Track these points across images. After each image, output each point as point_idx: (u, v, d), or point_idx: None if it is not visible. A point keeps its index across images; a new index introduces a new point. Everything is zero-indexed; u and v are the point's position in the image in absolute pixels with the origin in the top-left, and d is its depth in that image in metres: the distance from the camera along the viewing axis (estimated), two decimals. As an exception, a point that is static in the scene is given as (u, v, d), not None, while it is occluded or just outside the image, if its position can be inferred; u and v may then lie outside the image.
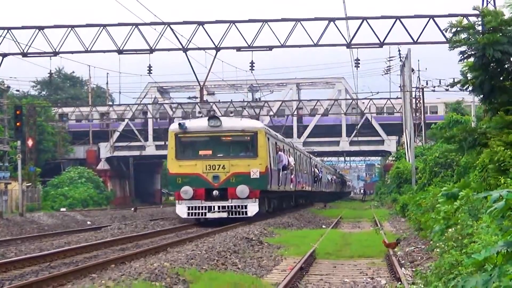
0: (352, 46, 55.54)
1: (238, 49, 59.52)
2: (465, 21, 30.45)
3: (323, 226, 55.10)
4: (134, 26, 57.81)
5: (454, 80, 28.96)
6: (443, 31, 43.77)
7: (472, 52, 25.05)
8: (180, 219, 63.41)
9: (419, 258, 27.50)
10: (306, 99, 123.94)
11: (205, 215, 55.19)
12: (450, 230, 24.65)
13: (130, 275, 21.31)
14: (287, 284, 20.57)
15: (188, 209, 54.55)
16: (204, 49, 63.79)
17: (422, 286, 18.98)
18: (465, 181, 29.52)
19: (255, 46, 57.05)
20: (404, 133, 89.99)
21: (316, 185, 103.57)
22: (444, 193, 30.66)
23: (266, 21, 56.01)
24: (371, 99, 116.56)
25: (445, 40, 36.66)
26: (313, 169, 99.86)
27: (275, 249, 33.08)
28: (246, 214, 52.61)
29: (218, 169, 52.81)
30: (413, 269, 23.76)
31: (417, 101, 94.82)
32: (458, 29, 27.33)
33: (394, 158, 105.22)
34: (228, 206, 52.58)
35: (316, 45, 54.64)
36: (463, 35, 26.02)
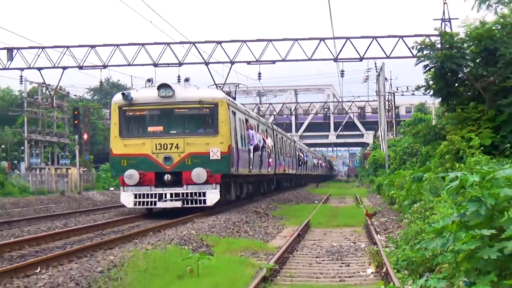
0: (338, 60, 55.01)
1: (248, 62, 58.67)
2: (428, 40, 30.82)
3: (316, 202, 52.71)
4: (166, 45, 54.77)
5: (418, 86, 28.91)
6: (410, 48, 44.18)
7: (433, 65, 25.07)
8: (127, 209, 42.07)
9: (391, 227, 27.54)
10: (302, 101, 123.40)
11: (155, 204, 37.74)
12: (415, 205, 24.75)
13: (165, 240, 21.41)
14: (287, 247, 20.56)
15: (135, 197, 37.38)
16: (221, 62, 59.96)
17: (393, 249, 19.02)
18: (427, 166, 29.63)
19: (262, 60, 56.44)
20: (379, 129, 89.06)
21: (301, 168, 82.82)
22: (412, 176, 31.02)
23: (270, 40, 55.53)
24: (353, 101, 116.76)
25: (412, 55, 36.46)
26: (297, 153, 78.92)
27: (278, 220, 33.54)
28: (204, 203, 36.23)
29: (170, 149, 37.10)
30: (386, 236, 23.77)
31: (389, 103, 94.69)
32: (422, 46, 27.36)
33: (371, 148, 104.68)
34: (182, 194, 36.43)
35: (309, 59, 54.05)
36: (426, 51, 26.05)
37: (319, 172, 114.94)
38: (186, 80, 28.81)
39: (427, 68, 25.41)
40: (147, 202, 29.54)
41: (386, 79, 77.52)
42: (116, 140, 29.25)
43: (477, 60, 24.18)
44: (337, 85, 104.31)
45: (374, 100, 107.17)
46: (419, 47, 28.13)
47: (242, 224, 28.85)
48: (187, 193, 28.79)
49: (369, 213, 33.89)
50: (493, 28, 23.67)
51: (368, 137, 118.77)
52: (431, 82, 25.61)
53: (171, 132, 29.21)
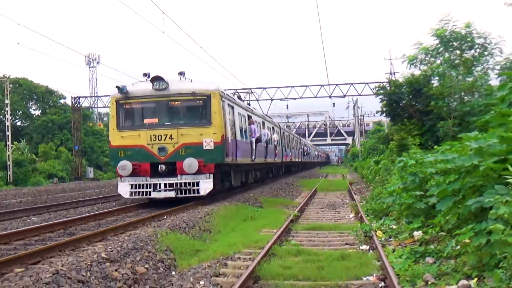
0: (331, 97, 55.07)
1: (281, 99, 58.60)
2: (382, 85, 30.98)
3: (320, 177, 50.72)
4: (234, 91, 54.17)
5: (377, 111, 28.80)
6: (372, 89, 44.56)
7: (385, 99, 24.86)
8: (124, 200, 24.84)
9: (363, 190, 27.19)
10: (312, 120, 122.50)
11: (150, 194, 23.07)
12: (376, 177, 24.54)
13: (236, 200, 20.76)
14: (304, 203, 20.43)
15: (132, 188, 23.50)
16: (267, 100, 59.43)
17: (364, 203, 18.79)
18: (383, 156, 29.45)
19: (288, 98, 56.08)
20: (355, 135, 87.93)
21: (305, 158, 68.55)
22: (374, 161, 31.16)
23: (293, 86, 55.42)
24: (340, 120, 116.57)
25: (373, 93, 36.33)
26: (302, 147, 65.60)
27: (299, 187, 33.11)
28: (198, 192, 21.80)
29: (164, 140, 23.64)
30: (360, 196, 23.49)
31: (361, 121, 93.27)
32: (379, 88, 27.24)
33: (350, 146, 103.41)
34: (176, 184, 22.84)
35: (315, 97, 54.20)
36: (381, 91, 25.94)
37: (320, 160, 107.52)
38: (181, 73, 21.33)
39: (382, 100, 25.24)
40: (143, 192, 20.61)
41: (358, 107, 76.30)
42: (114, 132, 21.35)
43: (410, 96, 23.90)
44: (331, 111, 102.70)
45: (352, 119, 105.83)
46: (377, 89, 28.19)
47: (279, 190, 28.51)
48: (181, 183, 20.18)
49: (351, 182, 33.70)
50: (418, 77, 23.41)
51: (349, 140, 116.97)
52: (384, 108, 25.46)
53: (165, 123, 21.09)
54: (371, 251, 10.07)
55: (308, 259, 9.26)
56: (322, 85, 56.30)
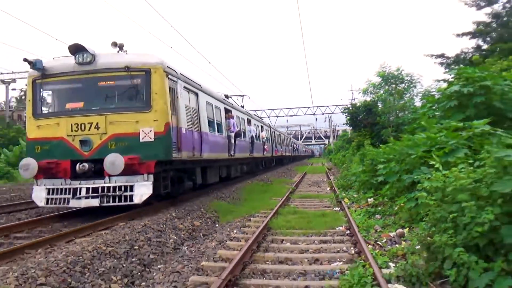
0: (315, 114, 55.37)
1: (283, 116, 58.58)
2: (347, 107, 30.74)
3: (308, 165, 50.28)
4: (254, 111, 53.48)
5: (345, 122, 28.48)
6: (340, 110, 44.41)
7: (349, 115, 24.80)
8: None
9: (336, 173, 26.93)
10: (303, 130, 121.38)
11: (69, 202, 8.42)
12: (344, 165, 24.27)
13: (255, 180, 19.91)
14: (298, 181, 20.25)
15: (48, 193, 8.59)
16: (273, 117, 59.43)
17: (336, 180, 18.60)
18: (347, 151, 29.22)
19: (289, 115, 56.36)
20: (330, 138, 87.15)
21: (295, 152, 53.10)
22: (342, 155, 30.66)
23: (290, 108, 55.69)
24: (321, 128, 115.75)
25: (342, 112, 36.07)
26: (293, 144, 51.18)
27: (294, 171, 32.67)
28: (131, 200, 8.29)
29: (89, 130, 8.47)
30: (334, 176, 23.27)
31: (334, 129, 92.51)
32: (346, 109, 27.12)
33: (327, 145, 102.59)
34: (103, 188, 8.25)
35: (304, 114, 54.71)
36: (346, 110, 25.89)
37: (307, 154, 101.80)
38: (116, 44, 9.23)
39: (346, 116, 25.39)
40: (60, 199, 8.57)
41: (332, 120, 75.59)
42: (30, 121, 9.21)
43: (364, 113, 23.80)
44: (315, 123, 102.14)
45: (328, 128, 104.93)
46: (344, 108, 28.18)
47: (282, 173, 28.17)
48: (108, 187, 8.38)
49: (328, 168, 32.80)
50: (369, 102, 23.41)
51: (326, 141, 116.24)
52: (348, 121, 25.56)
53: (92, 108, 8.98)
54: (341, 211, 9.99)
55: (301, 216, 9.21)
56: (309, 107, 56.92)
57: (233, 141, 15.24)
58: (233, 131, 15.33)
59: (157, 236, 7.14)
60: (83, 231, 7.01)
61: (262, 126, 25.18)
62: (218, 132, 13.66)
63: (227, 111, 15.44)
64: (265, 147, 24.98)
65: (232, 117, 15.73)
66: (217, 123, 13.68)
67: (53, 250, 5.92)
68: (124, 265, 5.58)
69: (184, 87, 10.50)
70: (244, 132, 18.34)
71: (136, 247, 6.29)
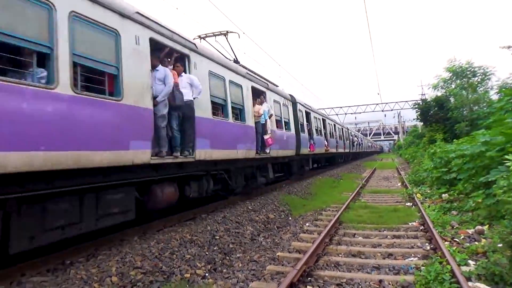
0: (383, 111, 53.49)
1: (355, 118, 56.81)
2: (417, 102, 29.07)
3: (377, 160, 48.26)
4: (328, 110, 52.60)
5: (416, 118, 26.98)
6: (410, 105, 42.19)
7: (419, 110, 23.59)
8: None
9: (406, 168, 25.64)
10: (372, 126, 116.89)
11: None
12: (415, 160, 23.00)
13: (325, 175, 19.36)
14: (368, 176, 19.58)
15: None
16: (343, 114, 58.17)
17: (407, 176, 17.66)
18: (419, 147, 27.69)
19: (358, 112, 55.02)
20: (399, 134, 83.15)
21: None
22: (412, 150, 29.21)
23: (360, 105, 54.09)
24: (389, 125, 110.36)
25: (411, 107, 34.27)
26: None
27: (363, 167, 31.49)
28: None
29: None
30: (405, 172, 22.18)
31: (403, 125, 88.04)
32: (416, 104, 25.78)
33: (396, 141, 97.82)
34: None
35: (373, 111, 52.84)
36: (416, 105, 24.57)
37: (373, 150, 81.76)
38: None
39: (417, 111, 24.16)
40: None
41: (401, 116, 71.97)
42: None
43: (435, 108, 22.41)
44: (383, 119, 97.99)
45: (397, 124, 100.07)
46: (414, 104, 26.79)
47: (352, 168, 27.35)
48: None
49: (398, 164, 31.30)
50: (441, 97, 22.04)
51: (395, 137, 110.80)
52: (418, 116, 24.29)
53: None
54: (413, 206, 9.45)
55: (372, 211, 8.88)
56: (377, 104, 54.72)
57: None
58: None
59: (236, 227, 7.29)
60: (170, 221, 7.26)
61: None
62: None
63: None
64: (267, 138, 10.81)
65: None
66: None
67: (146, 238, 6.14)
68: (206, 253, 5.75)
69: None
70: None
71: (217, 237, 6.47)
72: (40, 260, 4.77)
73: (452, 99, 21.50)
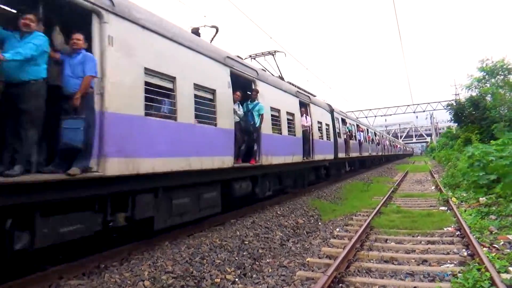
0: (415, 112, 51.91)
1: (385, 120, 55.50)
2: (451, 103, 28.24)
3: (410, 163, 47.13)
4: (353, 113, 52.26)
5: (450, 119, 26.25)
6: (442, 106, 40.96)
7: (453, 111, 22.95)
8: None
9: (440, 171, 24.83)
10: (403, 128, 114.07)
11: None
12: (449, 163, 22.23)
13: (355, 179, 19.10)
14: (400, 180, 19.09)
15: None
16: (373, 116, 57.41)
17: (441, 179, 17.12)
18: (454, 149, 26.79)
19: (388, 114, 53.53)
20: (432, 136, 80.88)
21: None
22: (446, 152, 28.30)
23: (389, 107, 52.78)
24: (421, 126, 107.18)
25: (444, 108, 33.32)
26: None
27: (395, 170, 30.62)
28: None
29: None
30: (439, 174, 21.48)
31: (436, 126, 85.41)
32: (449, 105, 25.10)
33: (429, 143, 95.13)
34: None
35: (404, 112, 51.63)
36: (449, 106, 23.92)
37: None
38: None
39: (451, 113, 23.49)
40: None
41: (434, 117, 69.99)
42: None
43: (470, 108, 21.66)
44: (415, 121, 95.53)
45: (429, 125, 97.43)
46: (447, 105, 26.00)
47: (383, 172, 26.71)
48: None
49: (431, 167, 30.31)
50: (475, 96, 21.29)
51: (428, 139, 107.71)
52: (452, 117, 23.58)
53: None
54: (448, 211, 9.14)
55: (405, 215, 8.65)
56: (408, 105, 53.37)
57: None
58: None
59: (265, 232, 7.29)
60: (200, 226, 7.33)
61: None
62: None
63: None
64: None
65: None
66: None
67: (177, 243, 6.29)
68: (236, 258, 5.78)
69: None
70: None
71: (246, 242, 6.50)
72: (77, 263, 4.96)
73: (488, 98, 20.77)
